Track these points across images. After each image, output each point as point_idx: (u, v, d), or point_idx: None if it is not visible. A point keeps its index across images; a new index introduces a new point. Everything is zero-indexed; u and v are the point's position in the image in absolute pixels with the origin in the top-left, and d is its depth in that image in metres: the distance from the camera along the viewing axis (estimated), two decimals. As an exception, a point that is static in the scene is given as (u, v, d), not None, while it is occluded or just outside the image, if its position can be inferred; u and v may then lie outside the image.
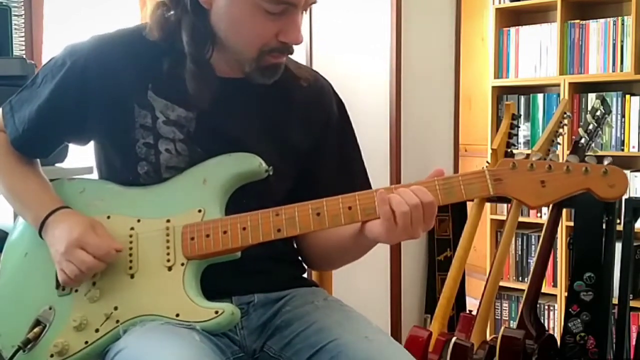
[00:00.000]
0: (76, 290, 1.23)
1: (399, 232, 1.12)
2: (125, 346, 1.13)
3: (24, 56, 2.30)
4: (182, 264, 1.20)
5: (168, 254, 1.21)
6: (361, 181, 1.40)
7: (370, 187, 1.38)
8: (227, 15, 1.19)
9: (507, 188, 1.16)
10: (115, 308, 1.20)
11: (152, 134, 1.25)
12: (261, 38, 1.19)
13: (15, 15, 2.29)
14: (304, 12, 1.21)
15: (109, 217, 1.25)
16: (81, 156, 1.42)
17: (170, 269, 1.20)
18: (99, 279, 1.22)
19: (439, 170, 1.18)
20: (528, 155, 1.17)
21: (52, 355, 1.19)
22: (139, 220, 1.24)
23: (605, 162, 1.16)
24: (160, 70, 1.24)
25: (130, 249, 1.22)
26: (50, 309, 1.23)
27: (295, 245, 1.40)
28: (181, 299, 1.18)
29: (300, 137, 1.33)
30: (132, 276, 1.21)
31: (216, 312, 1.15)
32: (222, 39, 1.22)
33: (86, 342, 1.19)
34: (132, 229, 1.23)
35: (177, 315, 1.16)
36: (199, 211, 1.22)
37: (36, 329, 1.22)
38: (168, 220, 1.22)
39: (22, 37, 2.38)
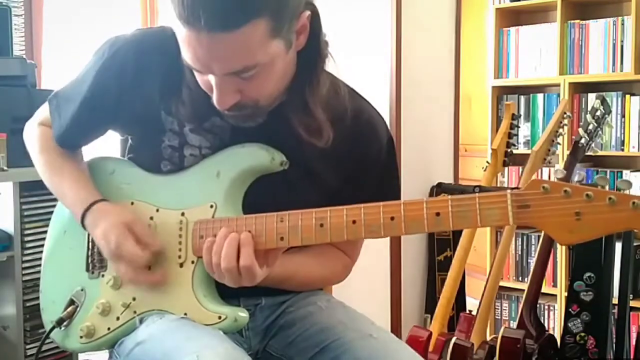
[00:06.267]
0: (102, 275, 1.26)
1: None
2: (146, 339, 1.13)
3: (24, 56, 2.30)
4: (193, 262, 1.18)
5: (180, 249, 1.19)
6: None
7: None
8: None
9: (534, 217, 0.96)
10: (134, 299, 1.22)
11: (179, 138, 1.23)
12: (208, 90, 1.12)
13: (15, 15, 2.29)
14: (239, 76, 1.06)
15: (132, 203, 1.25)
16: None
17: (181, 265, 1.19)
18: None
19: None
20: (559, 177, 1.00)
21: (81, 337, 1.24)
22: (157, 210, 1.23)
23: None
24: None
25: None
26: (82, 290, 1.27)
27: None
28: (189, 298, 1.17)
29: (332, 175, 1.25)
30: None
31: (219, 317, 1.14)
32: None
33: (108, 329, 1.22)
34: (151, 218, 1.23)
35: (185, 314, 1.16)
36: (211, 206, 1.19)
37: (70, 309, 1.27)
38: (182, 214, 1.21)
39: (22, 37, 2.37)
